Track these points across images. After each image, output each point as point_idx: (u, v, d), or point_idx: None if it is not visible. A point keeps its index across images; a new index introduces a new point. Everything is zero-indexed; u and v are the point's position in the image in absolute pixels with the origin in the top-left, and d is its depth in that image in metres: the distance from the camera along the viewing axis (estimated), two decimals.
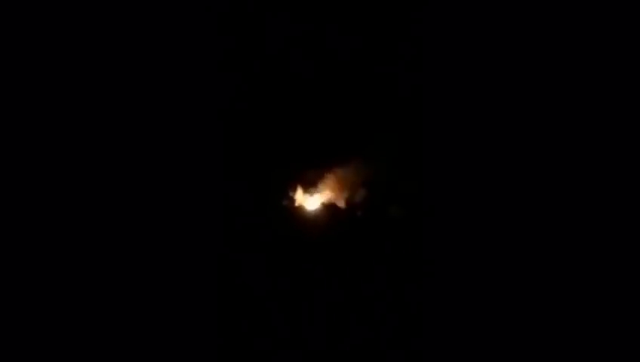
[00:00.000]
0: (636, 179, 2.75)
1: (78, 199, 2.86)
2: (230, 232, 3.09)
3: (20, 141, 2.82)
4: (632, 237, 2.71)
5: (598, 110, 2.82)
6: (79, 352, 2.70)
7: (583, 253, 2.74)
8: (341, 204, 3.16)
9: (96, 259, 2.83)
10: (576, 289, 2.71)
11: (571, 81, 2.86)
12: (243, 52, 3.22)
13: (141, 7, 2.95)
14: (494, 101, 2.91)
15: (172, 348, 2.79)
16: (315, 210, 3.17)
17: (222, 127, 3.20)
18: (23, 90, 2.84)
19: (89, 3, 2.90)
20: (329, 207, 3.16)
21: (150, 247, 2.90)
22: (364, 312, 2.89)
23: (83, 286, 2.77)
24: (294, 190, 3.21)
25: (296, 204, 3.19)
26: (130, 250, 2.88)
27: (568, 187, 2.81)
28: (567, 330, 2.68)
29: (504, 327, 2.71)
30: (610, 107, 2.82)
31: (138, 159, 2.98)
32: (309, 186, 3.21)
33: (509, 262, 2.79)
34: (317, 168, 3.21)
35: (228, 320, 2.91)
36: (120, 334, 2.74)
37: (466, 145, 2.93)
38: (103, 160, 2.92)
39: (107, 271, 2.83)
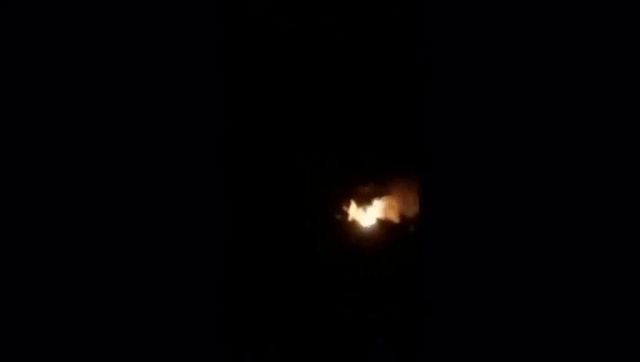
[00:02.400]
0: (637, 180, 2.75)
1: (94, 201, 2.88)
2: (282, 247, 3.10)
3: (20, 140, 2.82)
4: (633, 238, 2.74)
5: (599, 111, 2.76)
6: (79, 352, 2.78)
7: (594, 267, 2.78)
8: (396, 219, 3.14)
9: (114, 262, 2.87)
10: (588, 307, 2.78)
11: (573, 82, 2.78)
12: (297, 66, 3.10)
13: (141, 7, 2.89)
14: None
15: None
16: (370, 226, 3.16)
17: (276, 142, 3.12)
18: (22, 89, 2.83)
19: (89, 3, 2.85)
20: (384, 223, 3.14)
21: (186, 261, 2.95)
22: (421, 329, 2.99)
23: (83, 287, 2.82)
24: (348, 205, 3.16)
25: (350, 219, 3.17)
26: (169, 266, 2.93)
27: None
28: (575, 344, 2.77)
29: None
30: (610, 107, 2.75)
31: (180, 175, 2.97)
32: (363, 201, 3.16)
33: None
34: (372, 183, 3.15)
35: (276, 337, 2.99)
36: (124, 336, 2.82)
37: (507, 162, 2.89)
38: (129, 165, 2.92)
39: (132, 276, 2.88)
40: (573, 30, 2.78)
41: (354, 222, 3.17)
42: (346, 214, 3.16)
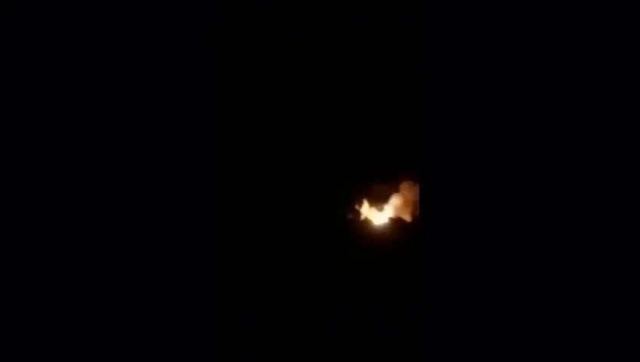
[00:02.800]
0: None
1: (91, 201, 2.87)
2: (294, 247, 3.12)
3: (18, 140, 2.81)
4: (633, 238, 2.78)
5: (600, 112, 2.76)
6: (77, 352, 2.79)
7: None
8: (408, 218, 3.16)
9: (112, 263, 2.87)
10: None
11: (573, 83, 2.78)
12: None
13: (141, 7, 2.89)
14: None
15: None
16: (382, 225, 3.18)
17: (285, 142, 3.10)
18: (22, 89, 2.82)
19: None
20: (396, 222, 3.16)
21: (187, 261, 2.94)
22: (435, 331, 3.06)
23: (81, 287, 2.82)
24: (360, 204, 3.17)
25: (362, 218, 3.18)
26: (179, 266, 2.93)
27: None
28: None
29: None
30: (610, 108, 2.75)
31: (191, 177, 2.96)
32: (376, 200, 3.17)
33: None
34: (384, 182, 3.15)
35: (280, 335, 3.03)
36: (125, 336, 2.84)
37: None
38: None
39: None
40: (573, 30, 2.77)
41: (366, 221, 3.18)
42: (358, 213, 3.17)
